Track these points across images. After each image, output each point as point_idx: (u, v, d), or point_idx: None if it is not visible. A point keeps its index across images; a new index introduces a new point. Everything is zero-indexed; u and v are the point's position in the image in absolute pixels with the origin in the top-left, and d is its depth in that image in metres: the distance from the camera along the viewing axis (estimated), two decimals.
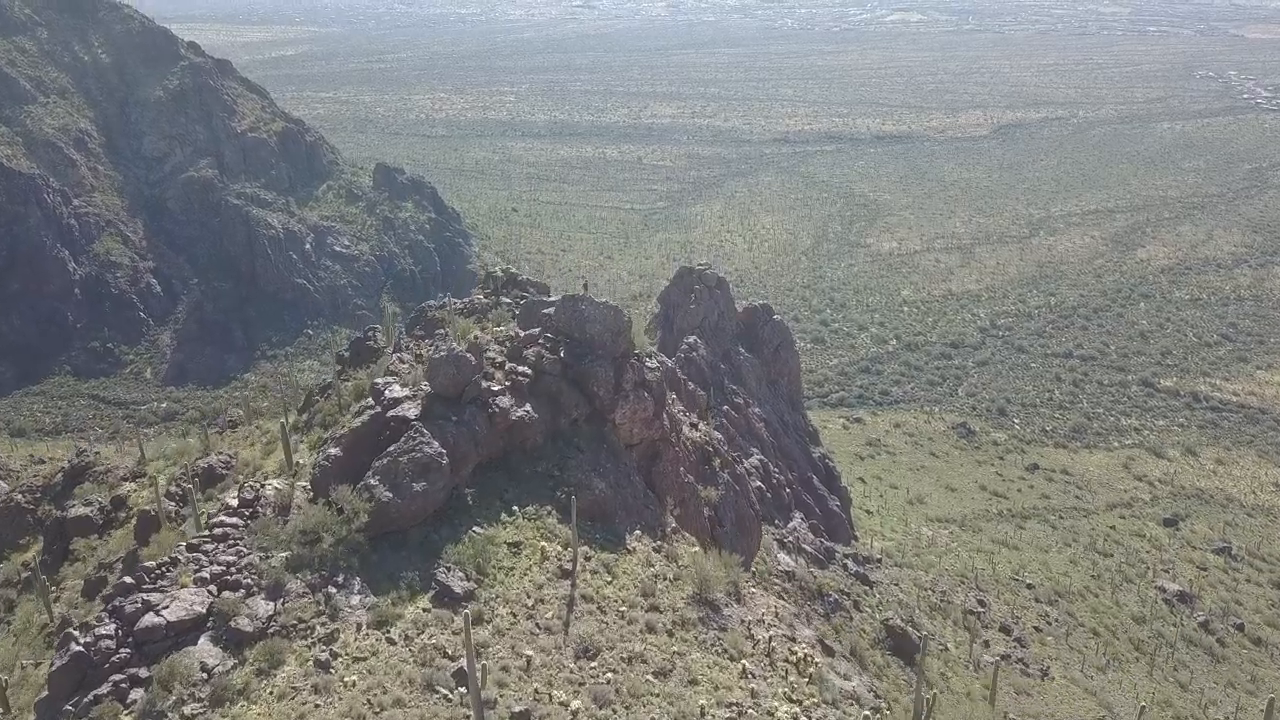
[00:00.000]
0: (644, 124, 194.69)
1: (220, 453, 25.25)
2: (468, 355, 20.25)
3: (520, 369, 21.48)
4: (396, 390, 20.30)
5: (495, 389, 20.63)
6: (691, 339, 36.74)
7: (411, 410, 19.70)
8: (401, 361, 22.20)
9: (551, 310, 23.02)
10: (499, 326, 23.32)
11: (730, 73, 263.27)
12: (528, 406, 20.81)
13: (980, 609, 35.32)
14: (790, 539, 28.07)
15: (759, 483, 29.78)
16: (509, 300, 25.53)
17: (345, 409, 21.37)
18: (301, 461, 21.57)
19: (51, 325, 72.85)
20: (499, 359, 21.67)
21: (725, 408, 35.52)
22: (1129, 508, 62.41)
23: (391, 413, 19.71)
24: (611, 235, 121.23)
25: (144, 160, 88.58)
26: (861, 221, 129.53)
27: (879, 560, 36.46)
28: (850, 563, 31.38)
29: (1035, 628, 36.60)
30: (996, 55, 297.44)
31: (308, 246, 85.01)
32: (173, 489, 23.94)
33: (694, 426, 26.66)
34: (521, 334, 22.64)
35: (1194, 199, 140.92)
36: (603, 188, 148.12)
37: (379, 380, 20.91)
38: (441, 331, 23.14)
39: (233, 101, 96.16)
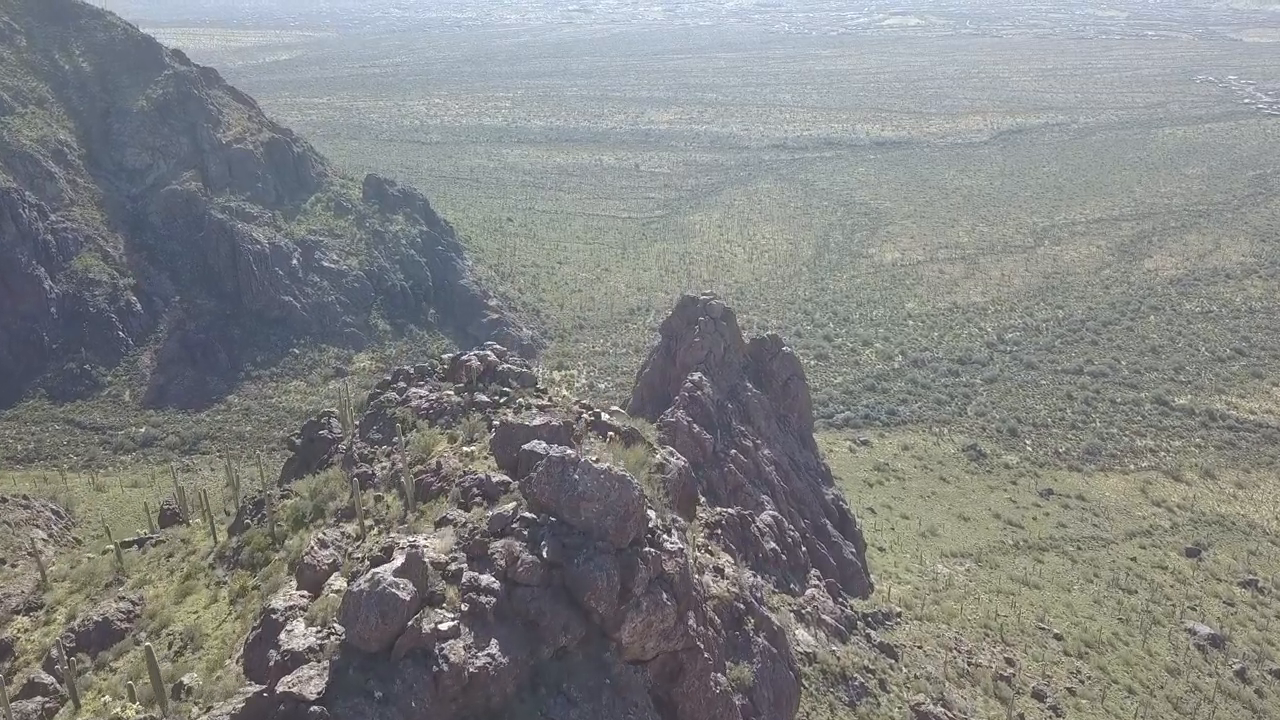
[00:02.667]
0: (641, 130, 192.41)
1: (123, 597, 20.90)
2: (399, 594, 13.99)
3: (483, 582, 15.40)
4: (297, 637, 14.38)
5: (444, 627, 14.58)
6: (696, 376, 34.15)
7: (313, 684, 13.63)
8: (334, 526, 17.24)
9: (537, 474, 16.91)
10: (469, 445, 19.46)
11: (727, 78, 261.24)
12: (493, 646, 14.71)
13: (1010, 670, 32.83)
14: (809, 610, 25.55)
15: (773, 544, 27.25)
16: (487, 398, 21.69)
17: (279, 542, 18.15)
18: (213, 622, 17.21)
19: (25, 346, 69.97)
20: (452, 564, 15.75)
21: (733, 451, 32.92)
22: (1149, 536, 59.92)
23: (282, 688, 13.55)
24: (608, 246, 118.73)
25: (125, 173, 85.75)
26: (863, 231, 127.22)
27: (899, 615, 33.96)
28: (873, 632, 28.78)
29: (1069, 689, 34.10)
30: (995, 60, 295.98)
31: (294, 262, 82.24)
32: (56, 653, 19.46)
33: (720, 573, 20.55)
34: (488, 518, 16.68)
35: (1199, 206, 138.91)
36: (599, 195, 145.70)
37: (276, 605, 15.37)
38: (401, 440, 18.80)
39: (218, 111, 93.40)
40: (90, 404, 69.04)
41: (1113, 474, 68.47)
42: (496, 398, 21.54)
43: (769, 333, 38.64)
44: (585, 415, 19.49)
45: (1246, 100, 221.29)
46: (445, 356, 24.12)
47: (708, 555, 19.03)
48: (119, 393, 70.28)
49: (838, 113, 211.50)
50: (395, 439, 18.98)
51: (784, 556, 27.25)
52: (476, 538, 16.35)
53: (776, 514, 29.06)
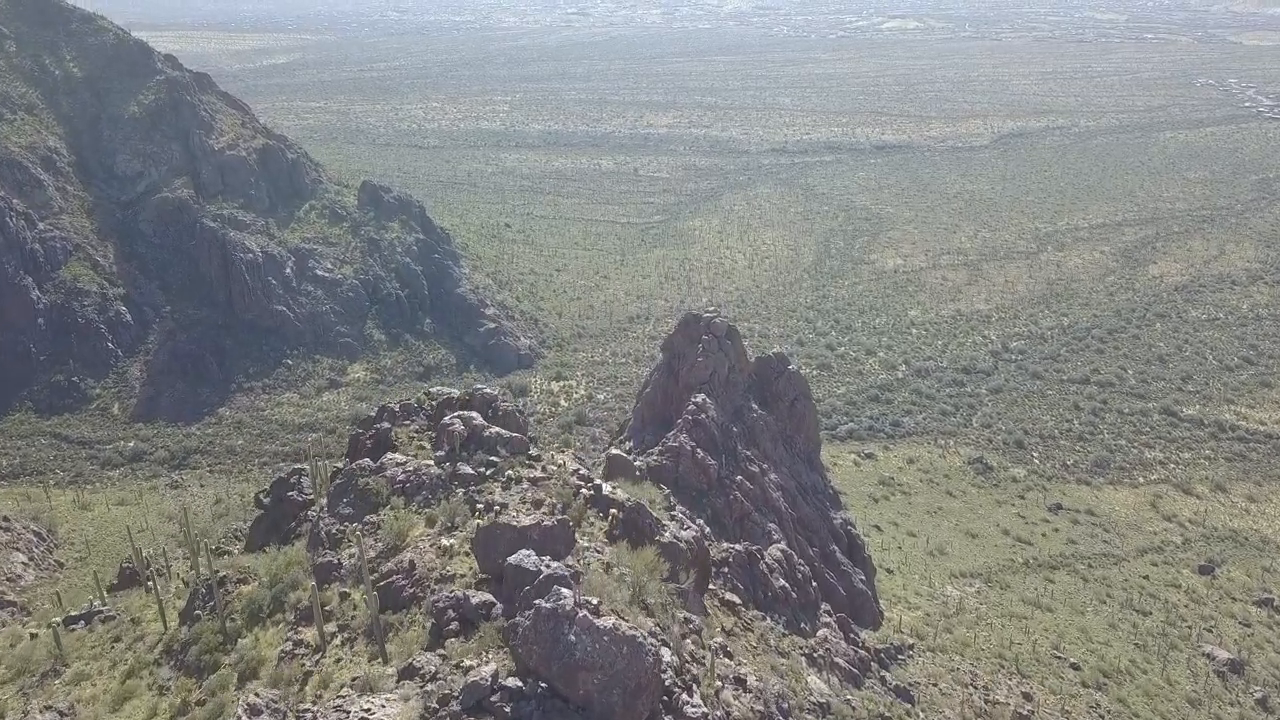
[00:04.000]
0: (640, 134, 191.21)
1: (50, 706, 18.33)
2: None
3: None
4: None
5: None
6: (700, 398, 32.78)
7: None
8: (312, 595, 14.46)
9: (524, 629, 13.51)
10: (448, 536, 16.67)
11: (727, 81, 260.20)
12: None
13: (1028, 708, 31.45)
14: (821, 653, 24.21)
15: (782, 580, 25.90)
16: (471, 469, 19.12)
17: (231, 640, 15.87)
18: None
19: (12, 358, 68.49)
20: None
21: (739, 478, 31.54)
22: (1160, 552, 58.55)
23: None
24: (607, 252, 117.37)
25: (116, 180, 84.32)
26: (864, 236, 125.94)
27: (911, 647, 32.61)
28: (887, 674, 27.42)
29: None
30: (994, 63, 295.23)
31: (288, 271, 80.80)
32: None
33: (742, 685, 17.13)
34: (461, 686, 13.17)
35: (1202, 211, 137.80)
36: (598, 201, 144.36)
37: None
38: (372, 519, 16.34)
39: (211, 117, 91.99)
40: (78, 417, 67.56)
41: (1122, 487, 67.12)
42: (482, 469, 19.12)
43: (774, 350, 37.26)
44: (584, 490, 17.54)
45: (1247, 104, 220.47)
46: (435, 390, 22.42)
47: (726, 660, 16.96)
48: (107, 405, 68.79)
49: (837, 116, 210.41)
50: (367, 518, 17.08)
51: (794, 594, 25.90)
52: (445, 715, 13.08)
53: (785, 547, 27.70)
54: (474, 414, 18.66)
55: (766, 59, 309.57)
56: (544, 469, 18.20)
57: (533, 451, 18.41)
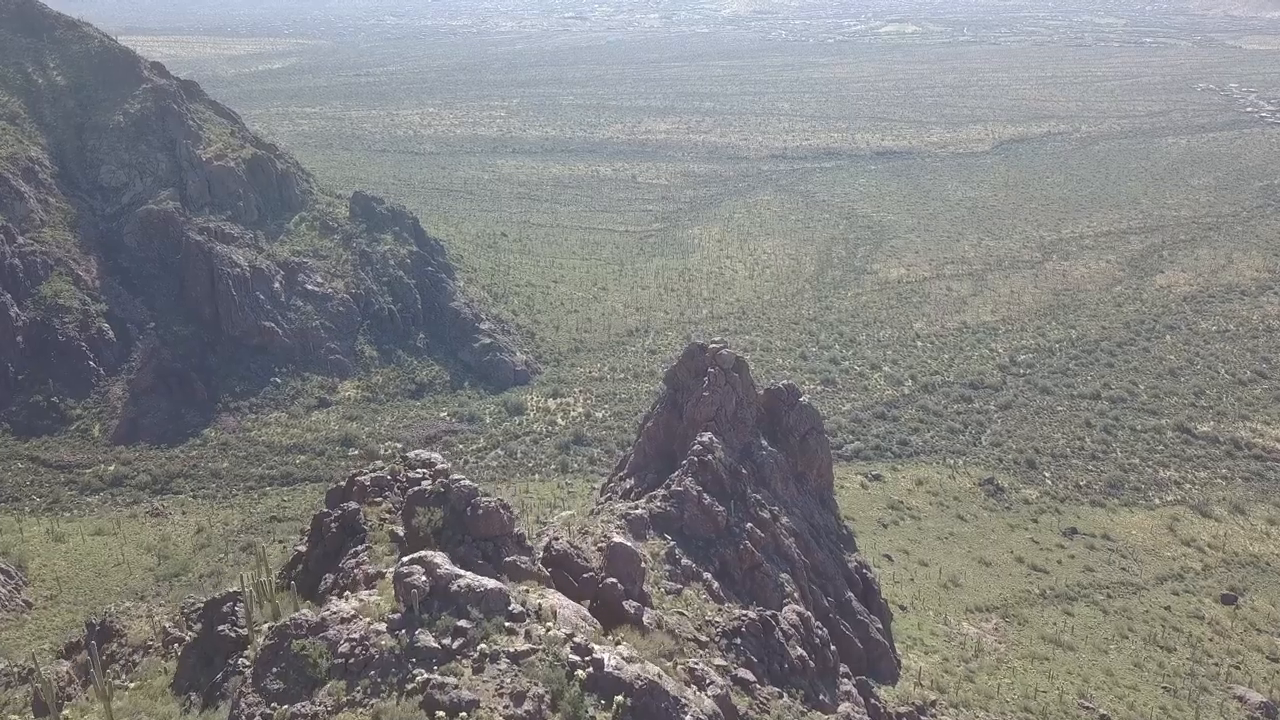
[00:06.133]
0: (638, 140, 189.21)
1: None
2: None
3: None
4: None
5: None
6: (707, 437, 30.58)
7: None
8: None
9: None
10: None
11: (725, 86, 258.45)
12: None
13: None
14: None
15: (799, 649, 23.73)
16: (434, 642, 14.22)
17: None
18: None
19: None
20: None
21: (749, 525, 29.33)
22: (1180, 580, 56.46)
23: None
24: (605, 262, 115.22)
25: (100, 191, 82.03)
26: (867, 245, 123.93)
27: (934, 704, 30.50)
28: None
29: None
30: (994, 67, 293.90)
31: (276, 285, 78.51)
32: None
33: None
34: None
35: (1208, 219, 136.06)
36: (596, 208, 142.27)
37: None
38: (305, 710, 12.49)
39: (199, 127, 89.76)
40: (57, 439, 65.19)
41: (1137, 509, 65.02)
42: (446, 641, 14.93)
43: (784, 382, 35.09)
44: (581, 666, 14.64)
45: (1249, 109, 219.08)
46: (412, 456, 19.81)
47: None
48: (88, 427, 66.42)
49: (837, 122, 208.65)
50: (300, 705, 13.36)
51: (812, 662, 23.75)
52: None
53: (801, 608, 25.51)
54: (439, 560, 14.80)
55: (765, 63, 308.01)
56: (528, 633, 14.67)
57: (514, 606, 15.22)
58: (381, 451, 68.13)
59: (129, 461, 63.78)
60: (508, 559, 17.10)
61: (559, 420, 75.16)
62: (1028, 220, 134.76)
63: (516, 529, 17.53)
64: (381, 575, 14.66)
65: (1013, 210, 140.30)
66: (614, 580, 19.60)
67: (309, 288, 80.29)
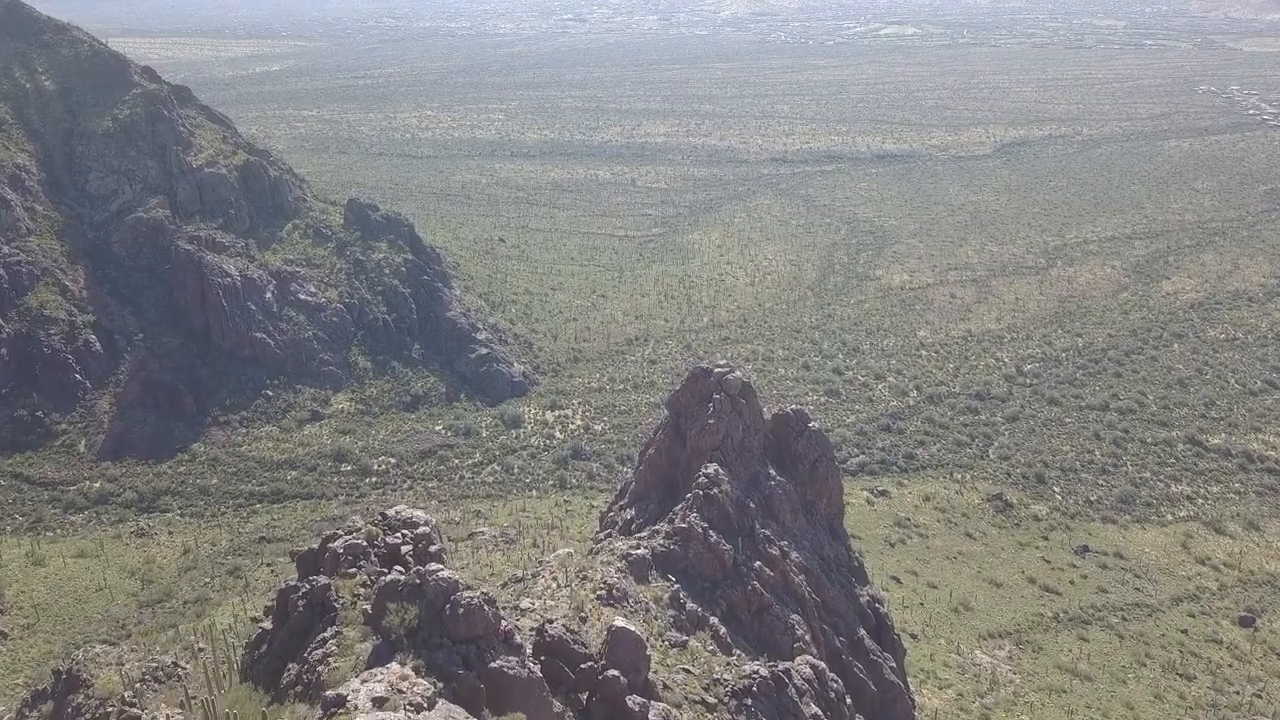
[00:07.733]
0: (637, 143, 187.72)
1: None
2: None
3: None
4: None
5: None
6: (712, 469, 28.98)
7: None
8: None
9: None
10: None
11: (724, 88, 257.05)
12: None
13: None
14: None
15: (815, 708, 22.17)
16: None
17: None
18: None
19: None
20: None
21: (757, 564, 27.72)
22: (1196, 601, 54.94)
23: None
24: (604, 268, 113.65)
25: (88, 199, 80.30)
26: (869, 250, 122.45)
27: None
28: None
29: None
30: (994, 70, 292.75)
31: (269, 295, 76.82)
32: None
33: None
34: None
35: (1213, 223, 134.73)
36: (595, 213, 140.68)
37: None
38: None
39: (190, 132, 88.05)
40: (41, 455, 63.47)
41: (1150, 526, 63.49)
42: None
43: (793, 407, 33.53)
44: None
45: (1251, 111, 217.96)
46: (393, 514, 18.11)
47: None
48: (73, 442, 64.70)
49: (837, 124, 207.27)
50: None
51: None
52: None
53: (816, 661, 23.97)
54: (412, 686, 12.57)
55: (764, 66, 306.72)
56: None
57: None
58: (373, 466, 66.45)
59: (115, 478, 62.07)
60: (492, 665, 15.19)
61: (557, 433, 73.55)
62: (1031, 225, 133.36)
63: (503, 625, 15.56)
64: (342, 701, 12.70)
65: (1015, 214, 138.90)
66: (616, 672, 17.84)
67: (302, 297, 78.60)
